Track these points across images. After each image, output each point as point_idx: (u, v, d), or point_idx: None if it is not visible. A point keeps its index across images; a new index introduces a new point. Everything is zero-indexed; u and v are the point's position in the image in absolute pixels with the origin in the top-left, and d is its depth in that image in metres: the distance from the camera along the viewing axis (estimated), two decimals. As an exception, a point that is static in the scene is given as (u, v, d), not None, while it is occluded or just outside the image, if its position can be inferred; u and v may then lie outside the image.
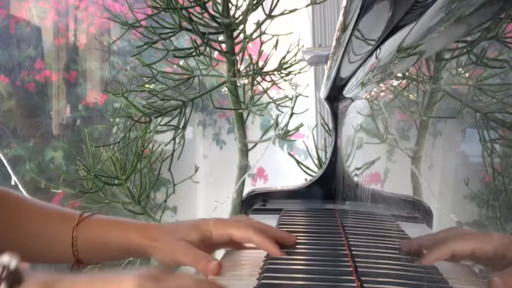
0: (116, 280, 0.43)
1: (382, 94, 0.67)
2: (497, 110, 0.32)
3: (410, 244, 0.57)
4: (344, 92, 0.96)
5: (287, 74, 1.40)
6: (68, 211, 0.65)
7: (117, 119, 2.06)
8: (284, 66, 1.38)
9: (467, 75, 0.37)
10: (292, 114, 1.40)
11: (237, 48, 1.35)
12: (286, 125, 1.39)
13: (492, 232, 0.40)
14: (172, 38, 1.31)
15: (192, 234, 0.59)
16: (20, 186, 2.11)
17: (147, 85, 1.42)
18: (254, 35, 1.33)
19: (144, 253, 0.60)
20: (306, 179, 1.25)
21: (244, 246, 0.64)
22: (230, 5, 1.30)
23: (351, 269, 0.56)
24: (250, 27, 1.32)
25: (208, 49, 1.30)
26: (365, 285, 0.51)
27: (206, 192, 2.85)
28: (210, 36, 1.29)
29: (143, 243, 0.59)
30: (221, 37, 1.34)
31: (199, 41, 1.28)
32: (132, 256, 0.64)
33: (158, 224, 0.63)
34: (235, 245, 0.65)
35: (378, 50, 0.57)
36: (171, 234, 0.59)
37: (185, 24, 1.25)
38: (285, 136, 1.40)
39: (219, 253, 0.65)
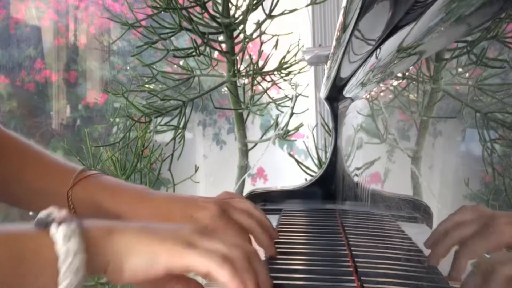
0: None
1: (382, 94, 0.67)
2: (497, 110, 0.32)
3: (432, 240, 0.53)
4: (344, 92, 0.96)
5: (287, 74, 1.40)
6: (67, 167, 0.62)
7: (117, 119, 2.06)
8: (284, 66, 1.38)
9: (467, 75, 0.37)
10: (292, 114, 1.40)
11: (237, 48, 1.35)
12: (286, 125, 1.39)
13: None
14: (172, 38, 1.31)
15: (185, 217, 0.56)
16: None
17: (147, 85, 1.42)
18: (254, 35, 1.33)
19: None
20: (306, 179, 1.25)
21: None
22: (230, 5, 1.30)
23: (351, 269, 0.56)
24: (250, 27, 1.32)
25: (208, 49, 1.30)
26: (365, 285, 0.51)
27: (206, 192, 2.85)
28: (210, 36, 1.29)
29: (135, 220, 0.56)
30: (221, 37, 1.34)
31: (199, 41, 1.28)
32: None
33: (153, 199, 0.58)
34: None
35: (378, 50, 0.57)
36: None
37: (185, 24, 1.25)
38: (285, 136, 1.40)
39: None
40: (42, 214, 0.40)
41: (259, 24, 1.32)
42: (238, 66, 1.34)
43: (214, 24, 1.31)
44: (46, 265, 0.37)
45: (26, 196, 0.62)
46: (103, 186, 0.59)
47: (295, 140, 2.39)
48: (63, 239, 0.37)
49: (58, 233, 0.37)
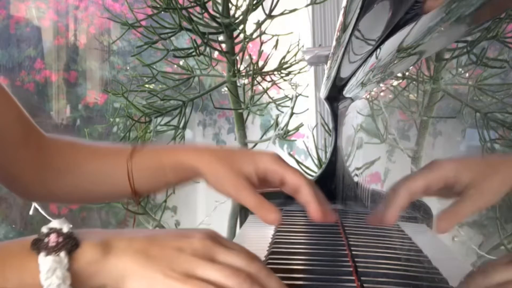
0: (184, 234, 0.43)
1: (382, 94, 0.67)
2: (497, 110, 0.32)
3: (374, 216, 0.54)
4: (344, 92, 0.96)
5: (287, 74, 1.40)
6: (120, 146, 0.63)
7: (117, 119, 2.06)
8: (284, 66, 1.38)
9: (467, 75, 0.37)
10: (292, 114, 1.40)
11: (237, 48, 1.35)
12: (286, 125, 1.39)
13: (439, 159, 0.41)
14: (172, 38, 1.31)
15: (248, 166, 0.55)
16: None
17: (147, 85, 1.42)
18: (254, 35, 1.33)
19: (199, 176, 0.58)
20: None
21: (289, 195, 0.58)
22: (230, 5, 1.30)
23: (351, 269, 0.56)
24: (250, 27, 1.32)
25: (208, 49, 1.30)
26: (365, 285, 0.51)
27: (206, 192, 2.85)
28: (210, 36, 1.29)
29: (198, 166, 0.56)
30: (221, 37, 1.34)
31: (199, 41, 1.28)
32: (188, 179, 0.61)
33: (211, 148, 0.58)
34: (281, 189, 0.59)
35: (378, 50, 0.57)
36: (228, 163, 0.55)
37: (185, 24, 1.25)
38: (285, 136, 1.40)
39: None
40: (42, 231, 0.41)
41: (259, 24, 1.32)
42: (238, 66, 1.34)
43: (214, 24, 1.31)
44: None
45: (83, 184, 0.62)
46: (158, 147, 0.61)
47: (295, 140, 2.39)
48: (46, 272, 0.38)
49: (44, 264, 0.39)
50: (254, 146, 1.44)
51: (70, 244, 0.40)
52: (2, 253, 0.40)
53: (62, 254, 0.39)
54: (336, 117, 1.05)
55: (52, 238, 0.40)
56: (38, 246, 0.39)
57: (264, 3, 1.29)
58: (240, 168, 0.55)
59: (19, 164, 0.62)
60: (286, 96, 1.42)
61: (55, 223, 0.41)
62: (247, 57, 1.37)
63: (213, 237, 0.45)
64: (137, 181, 0.60)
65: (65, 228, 0.41)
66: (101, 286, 0.41)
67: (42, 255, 0.39)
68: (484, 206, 0.38)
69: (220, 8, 1.29)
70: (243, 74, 1.33)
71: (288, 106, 1.41)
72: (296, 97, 1.41)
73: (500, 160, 0.36)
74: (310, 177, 1.27)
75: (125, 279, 0.40)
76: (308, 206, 0.55)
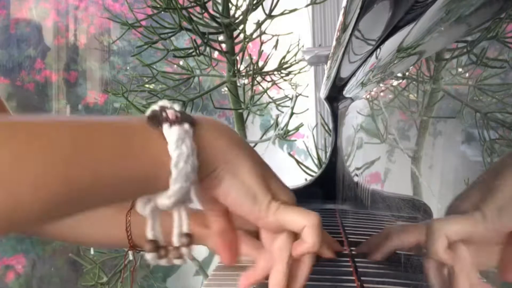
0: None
1: (382, 94, 0.67)
2: (497, 110, 0.32)
3: (363, 247, 0.61)
4: (344, 92, 0.96)
5: (287, 74, 1.40)
6: None
7: (117, 119, 2.05)
8: (284, 66, 1.38)
9: (467, 75, 0.37)
10: (292, 114, 1.40)
11: (237, 48, 1.35)
12: (286, 125, 1.39)
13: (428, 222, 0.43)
14: (172, 38, 1.31)
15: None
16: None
17: (147, 85, 1.42)
18: (254, 35, 1.33)
19: (198, 241, 0.56)
20: (306, 179, 1.25)
21: None
22: (230, 5, 1.30)
23: (351, 269, 0.56)
24: (250, 27, 1.32)
25: (208, 49, 1.30)
26: (365, 285, 0.51)
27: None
28: (210, 36, 1.29)
29: (196, 231, 0.54)
30: (221, 37, 1.34)
31: (199, 41, 1.28)
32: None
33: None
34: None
35: (378, 50, 0.57)
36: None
37: (185, 24, 1.25)
38: (285, 136, 1.40)
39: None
40: (155, 109, 0.38)
41: (259, 24, 1.32)
42: (238, 66, 1.34)
43: (214, 24, 1.31)
44: (158, 165, 0.35)
45: (79, 224, 0.61)
46: None
47: (295, 140, 2.39)
48: (176, 142, 0.35)
49: (171, 135, 0.36)
50: (254, 146, 1.44)
51: (189, 119, 0.37)
52: (123, 128, 0.35)
53: (187, 125, 0.37)
54: (336, 117, 1.05)
55: (170, 113, 0.37)
56: (158, 120, 0.36)
57: (264, 3, 1.29)
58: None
59: None
60: (286, 96, 1.42)
61: (164, 102, 0.38)
62: (247, 57, 1.37)
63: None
64: (136, 235, 0.58)
65: (177, 107, 0.38)
66: (211, 169, 0.38)
67: (166, 127, 0.36)
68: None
69: (220, 8, 1.29)
70: (243, 74, 1.33)
71: (288, 106, 1.41)
72: (296, 97, 1.41)
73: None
74: (310, 177, 1.27)
75: (233, 177, 0.38)
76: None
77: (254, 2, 1.27)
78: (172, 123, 0.36)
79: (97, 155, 0.33)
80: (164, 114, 0.36)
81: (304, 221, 0.40)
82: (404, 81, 0.57)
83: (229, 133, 0.40)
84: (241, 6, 1.30)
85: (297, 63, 1.40)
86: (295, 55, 1.39)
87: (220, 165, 0.38)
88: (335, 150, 1.05)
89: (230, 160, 0.39)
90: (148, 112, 0.37)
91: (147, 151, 0.35)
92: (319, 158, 1.43)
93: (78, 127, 0.33)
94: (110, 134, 0.34)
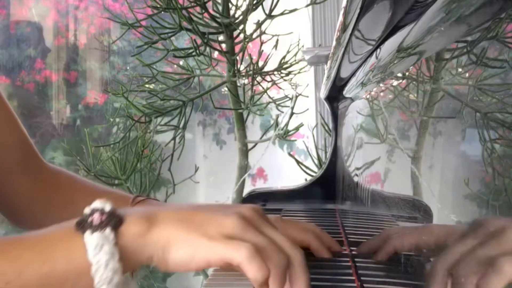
0: (230, 206, 0.42)
1: (382, 94, 0.67)
2: (497, 110, 0.32)
3: (363, 247, 0.61)
4: (344, 92, 0.96)
5: (287, 74, 1.40)
6: (120, 194, 0.63)
7: (117, 119, 2.06)
8: (284, 66, 1.38)
9: (467, 75, 0.37)
10: (292, 114, 1.40)
11: (237, 48, 1.35)
12: (286, 125, 1.39)
13: (430, 224, 0.43)
14: (172, 38, 1.31)
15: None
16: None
17: (147, 85, 1.42)
18: (254, 35, 1.33)
19: None
20: (306, 179, 1.25)
21: None
22: (230, 5, 1.30)
23: (351, 269, 0.56)
24: (250, 27, 1.32)
25: (208, 49, 1.30)
26: (365, 285, 0.51)
27: (206, 192, 2.85)
28: (210, 36, 1.29)
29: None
30: (221, 37, 1.34)
31: (199, 41, 1.28)
32: None
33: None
34: None
35: (378, 50, 0.57)
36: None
37: (185, 24, 1.25)
38: (285, 136, 1.40)
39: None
40: (85, 212, 0.40)
41: (259, 24, 1.32)
42: (238, 66, 1.34)
43: (214, 24, 1.31)
44: (81, 272, 0.38)
45: None
46: (159, 205, 0.60)
47: (295, 140, 2.39)
48: (94, 249, 0.38)
49: (90, 241, 0.38)
50: (254, 146, 1.44)
51: (114, 220, 0.39)
52: (48, 237, 0.40)
53: (108, 230, 0.39)
54: (336, 117, 1.05)
55: (96, 217, 0.39)
56: (83, 225, 0.39)
57: (264, 3, 1.29)
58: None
59: (14, 189, 0.61)
60: (286, 96, 1.42)
61: (96, 204, 0.40)
62: (247, 57, 1.36)
63: (260, 211, 0.44)
64: None
65: (107, 207, 0.40)
66: (148, 258, 0.40)
67: (88, 233, 0.38)
68: None
69: (220, 8, 1.29)
70: (243, 74, 1.33)
71: (288, 106, 1.41)
72: (296, 97, 1.41)
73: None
74: (310, 177, 1.27)
75: (170, 246, 0.40)
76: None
77: (254, 2, 1.27)
78: (94, 228, 0.39)
79: (22, 265, 0.37)
80: (90, 219, 0.39)
81: (234, 257, 0.40)
82: (404, 81, 0.57)
83: (154, 217, 0.41)
84: (241, 6, 1.30)
85: (297, 63, 1.40)
86: (295, 55, 1.39)
87: (154, 252, 0.40)
88: (335, 150, 1.05)
89: (160, 240, 0.40)
90: (80, 216, 0.40)
91: (69, 258, 0.38)
92: (319, 158, 1.43)
93: (8, 244, 0.39)
94: (37, 242, 0.39)
